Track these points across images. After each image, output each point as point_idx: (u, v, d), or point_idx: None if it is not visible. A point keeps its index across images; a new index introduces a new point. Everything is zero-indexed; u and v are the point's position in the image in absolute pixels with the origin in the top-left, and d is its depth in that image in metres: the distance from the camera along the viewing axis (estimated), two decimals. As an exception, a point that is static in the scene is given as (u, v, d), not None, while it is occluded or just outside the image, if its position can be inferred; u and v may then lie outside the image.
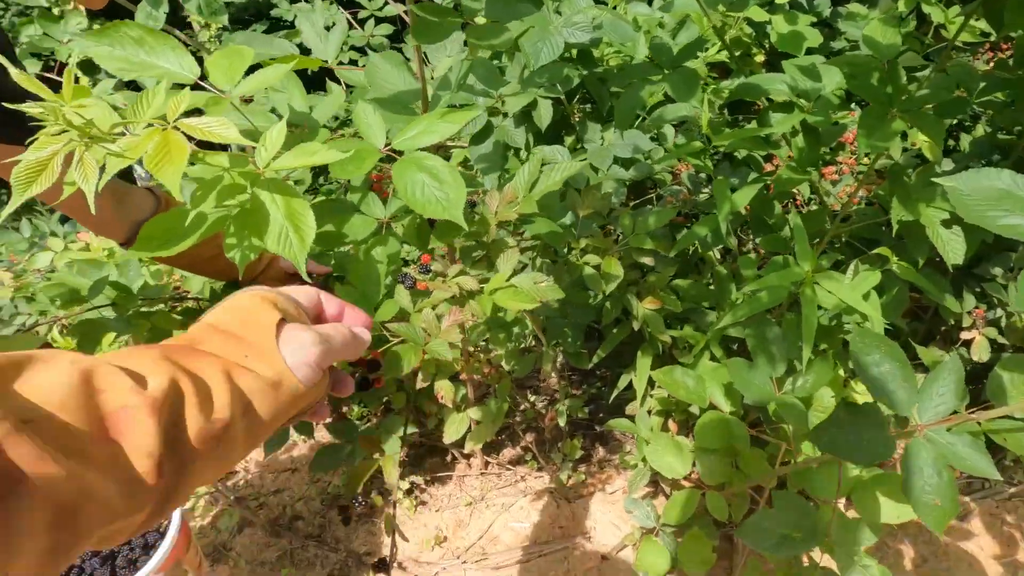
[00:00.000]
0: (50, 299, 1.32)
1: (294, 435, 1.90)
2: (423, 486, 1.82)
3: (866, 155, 1.19)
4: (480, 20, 1.00)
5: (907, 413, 0.87)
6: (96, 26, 0.98)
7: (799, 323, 1.11)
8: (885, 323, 1.18)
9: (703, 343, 1.31)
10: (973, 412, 0.93)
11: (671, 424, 1.42)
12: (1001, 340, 1.50)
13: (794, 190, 1.79)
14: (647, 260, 1.22)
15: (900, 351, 0.87)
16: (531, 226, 1.04)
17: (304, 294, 0.57)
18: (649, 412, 1.44)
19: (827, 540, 1.03)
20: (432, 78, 1.37)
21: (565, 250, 1.26)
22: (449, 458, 1.91)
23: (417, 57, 1.08)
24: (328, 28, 1.14)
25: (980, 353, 1.53)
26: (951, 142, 1.77)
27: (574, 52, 1.81)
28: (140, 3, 1.98)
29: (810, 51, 1.84)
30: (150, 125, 0.62)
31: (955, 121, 1.72)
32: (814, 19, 1.73)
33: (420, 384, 1.60)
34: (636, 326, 1.32)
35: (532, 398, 2.05)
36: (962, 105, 1.20)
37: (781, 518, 1.03)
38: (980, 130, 1.48)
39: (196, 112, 0.67)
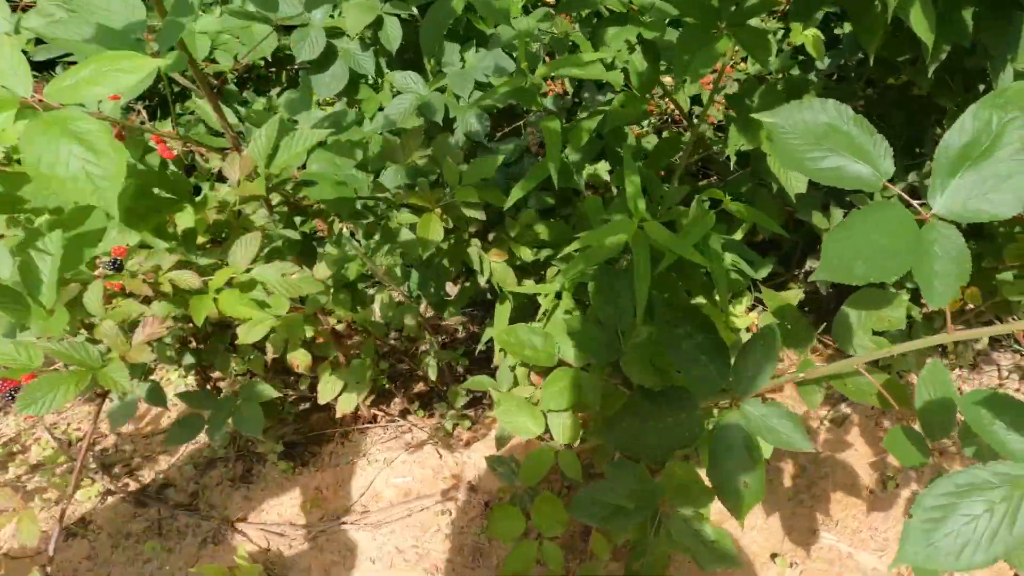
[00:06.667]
0: None
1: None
2: (303, 444, 1.74)
3: (684, 81, 1.05)
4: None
5: (721, 387, 0.79)
6: None
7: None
8: (732, 262, 1.10)
9: (552, 296, 1.20)
10: (815, 369, 0.85)
11: (533, 377, 1.34)
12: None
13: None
14: (476, 214, 1.09)
15: (711, 322, 0.78)
16: (313, 189, 0.89)
17: None
18: (513, 367, 1.35)
19: (662, 506, 0.98)
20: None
21: (381, 207, 1.12)
22: (338, 414, 1.83)
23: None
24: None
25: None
26: (839, 30, 1.60)
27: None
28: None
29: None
30: None
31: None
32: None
33: (271, 355, 1.47)
34: (482, 281, 1.20)
35: (430, 340, 1.95)
36: (821, -1, 1.04)
37: (615, 488, 0.97)
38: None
39: None
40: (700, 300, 1.29)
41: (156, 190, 0.67)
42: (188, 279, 0.68)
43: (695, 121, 1.20)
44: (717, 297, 1.21)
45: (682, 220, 1.09)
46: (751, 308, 1.33)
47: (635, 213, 0.94)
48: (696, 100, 1.37)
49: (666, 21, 0.95)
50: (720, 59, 0.82)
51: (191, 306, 0.68)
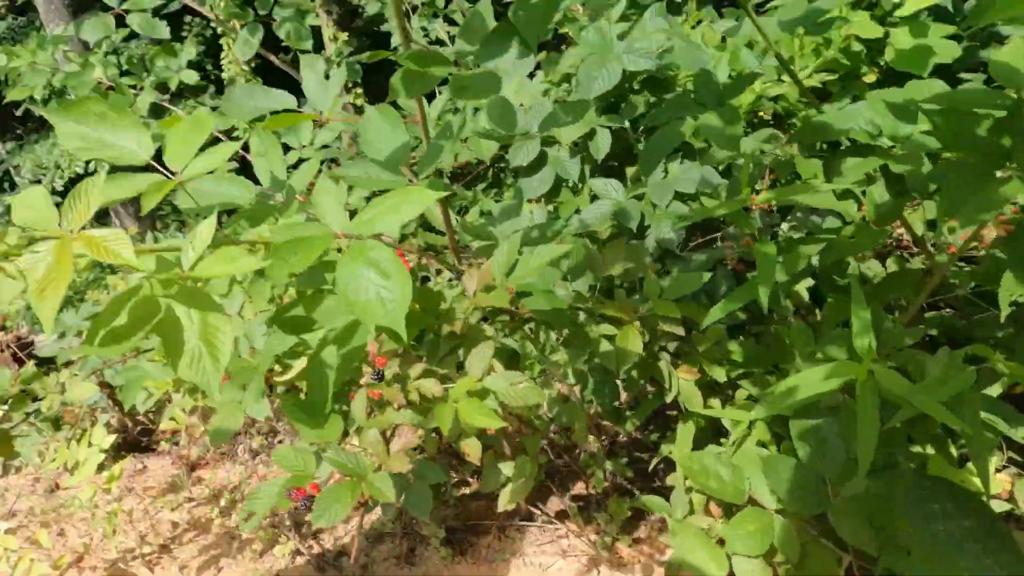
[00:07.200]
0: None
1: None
2: (462, 531, 1.74)
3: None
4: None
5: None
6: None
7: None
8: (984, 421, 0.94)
9: (744, 425, 1.12)
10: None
11: (712, 507, 1.23)
12: None
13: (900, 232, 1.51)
14: (674, 329, 1.06)
15: (981, 503, 0.66)
16: (528, 300, 0.92)
17: None
18: (689, 490, 1.26)
19: None
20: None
21: (580, 316, 1.12)
22: (499, 508, 1.83)
23: (419, 107, 0.99)
24: (328, 75, 1.07)
25: None
26: None
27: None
28: (241, 31, 2.08)
29: (941, 68, 1.51)
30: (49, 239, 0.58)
31: None
32: (956, 30, 1.41)
33: (446, 440, 1.52)
34: (669, 398, 1.15)
35: (595, 443, 1.91)
36: None
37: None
38: None
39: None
40: (928, 451, 1.13)
41: (415, 304, 0.74)
42: (432, 387, 0.73)
43: (932, 250, 1.09)
44: (952, 449, 1.05)
45: (913, 366, 0.97)
46: (1000, 469, 1.13)
47: (864, 356, 0.85)
48: (932, 224, 1.24)
49: (923, 153, 0.87)
50: (1002, 206, 0.72)
51: (436, 415, 0.72)
